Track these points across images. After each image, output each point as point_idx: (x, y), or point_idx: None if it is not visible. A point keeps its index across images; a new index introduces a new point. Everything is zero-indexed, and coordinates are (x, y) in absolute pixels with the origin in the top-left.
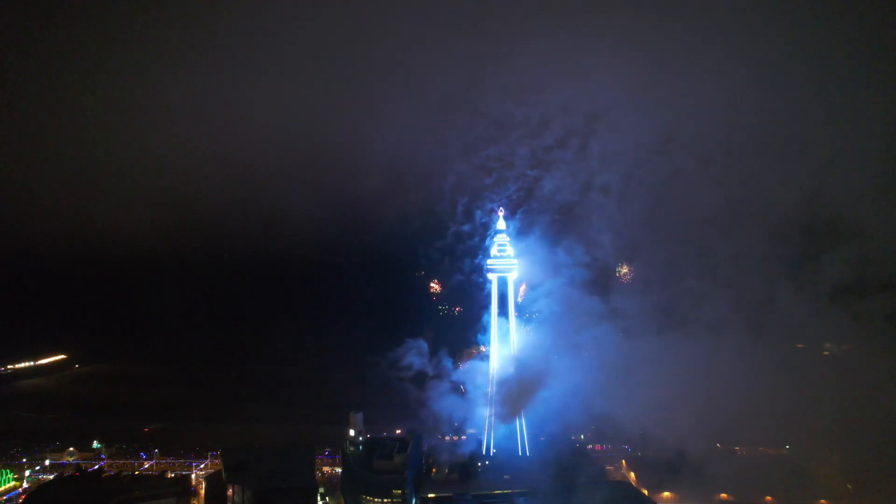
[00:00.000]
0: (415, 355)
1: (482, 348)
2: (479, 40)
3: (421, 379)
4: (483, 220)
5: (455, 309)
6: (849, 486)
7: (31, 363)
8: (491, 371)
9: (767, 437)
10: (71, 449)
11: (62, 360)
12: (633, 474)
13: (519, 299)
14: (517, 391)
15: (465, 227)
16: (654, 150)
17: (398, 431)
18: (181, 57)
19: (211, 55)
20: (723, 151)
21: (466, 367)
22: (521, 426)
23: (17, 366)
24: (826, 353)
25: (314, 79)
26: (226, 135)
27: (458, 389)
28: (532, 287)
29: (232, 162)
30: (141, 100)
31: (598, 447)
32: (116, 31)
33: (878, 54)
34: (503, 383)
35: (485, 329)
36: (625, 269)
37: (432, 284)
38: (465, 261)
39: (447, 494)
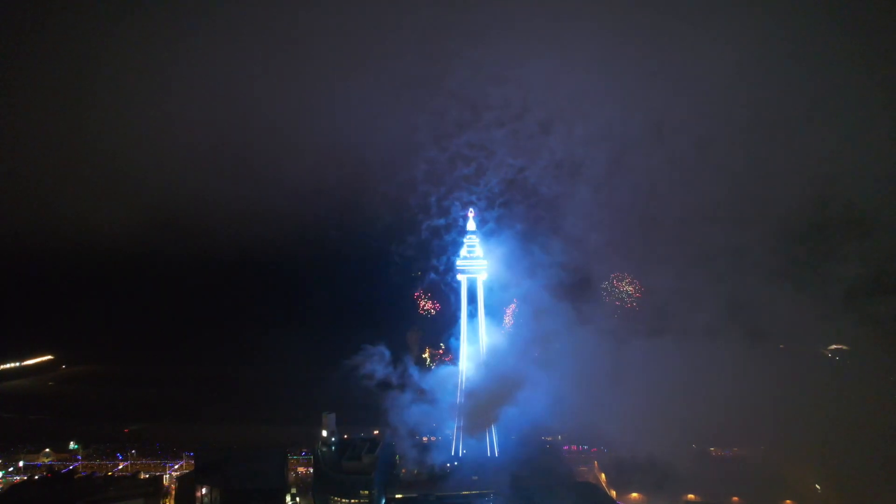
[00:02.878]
0: (378, 362)
1: (449, 356)
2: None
3: (390, 386)
4: (458, 214)
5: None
6: (817, 487)
7: (17, 364)
8: (460, 378)
9: (743, 438)
10: (47, 450)
11: (49, 360)
12: (603, 475)
13: (507, 320)
14: (485, 405)
15: (439, 222)
16: (644, 139)
17: (375, 432)
18: (142, 51)
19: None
20: (709, 143)
21: (436, 372)
22: (492, 428)
23: (1, 367)
24: (812, 354)
25: (271, 63)
26: (192, 131)
27: (427, 398)
28: (503, 288)
29: (205, 157)
30: (128, 101)
31: (574, 448)
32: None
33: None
34: (471, 395)
35: (457, 334)
36: (611, 283)
37: (426, 302)
38: (440, 259)
39: (412, 495)
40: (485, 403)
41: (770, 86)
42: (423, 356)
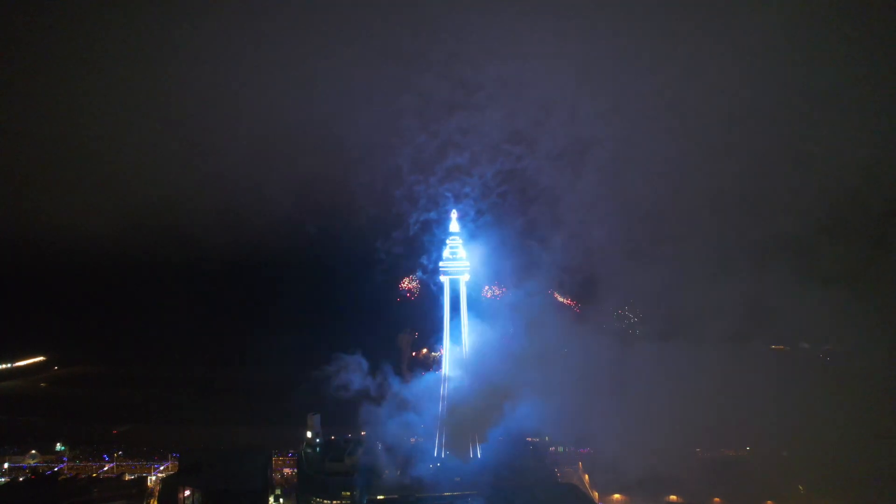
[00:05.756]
0: (354, 371)
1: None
2: None
3: (369, 397)
4: (444, 209)
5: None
6: (800, 488)
7: (9, 365)
8: (442, 388)
9: (729, 440)
10: (33, 451)
11: (41, 361)
12: (587, 476)
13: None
14: (470, 420)
15: (426, 216)
16: (656, 122)
17: (363, 433)
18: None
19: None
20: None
21: (423, 379)
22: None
23: None
24: (802, 355)
25: (248, 49)
26: (176, 133)
27: (411, 408)
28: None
29: (189, 158)
30: (116, 103)
31: (559, 449)
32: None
33: None
34: (454, 410)
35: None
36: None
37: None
38: (429, 257)
39: (394, 496)
40: (469, 419)
41: (801, 66)
42: (410, 362)
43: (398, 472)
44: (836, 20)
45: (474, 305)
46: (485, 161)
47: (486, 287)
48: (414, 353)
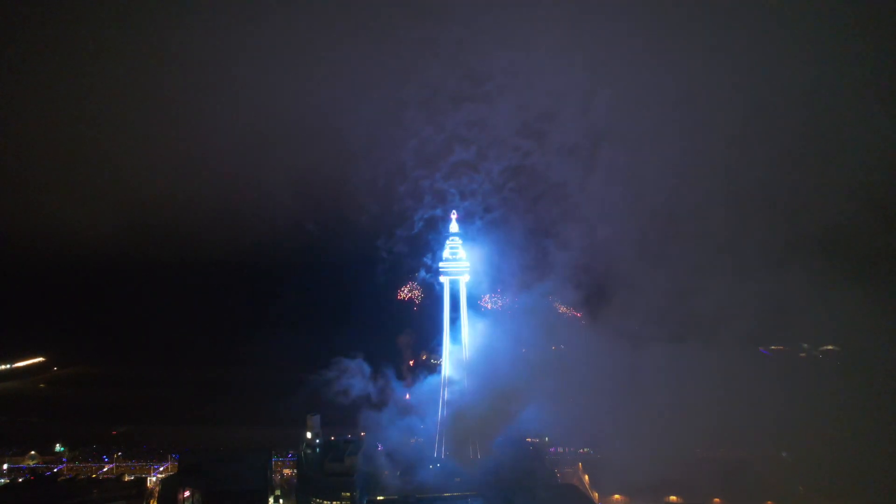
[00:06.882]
0: (354, 376)
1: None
2: None
3: (370, 402)
4: (446, 207)
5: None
6: (800, 489)
7: (8, 366)
8: (441, 393)
9: (730, 440)
10: (32, 452)
11: (40, 362)
12: (587, 477)
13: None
14: (472, 427)
15: (431, 213)
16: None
17: (362, 434)
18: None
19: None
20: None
21: (425, 382)
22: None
23: None
24: (803, 354)
25: (250, 48)
26: (174, 135)
27: (411, 411)
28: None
29: (188, 160)
30: (111, 107)
31: (559, 450)
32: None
33: None
34: (457, 416)
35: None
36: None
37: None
38: (433, 256)
39: (393, 497)
40: (471, 426)
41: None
42: (411, 364)
43: (398, 474)
44: (863, 15)
45: (475, 306)
46: (490, 157)
47: (486, 296)
48: (412, 361)
